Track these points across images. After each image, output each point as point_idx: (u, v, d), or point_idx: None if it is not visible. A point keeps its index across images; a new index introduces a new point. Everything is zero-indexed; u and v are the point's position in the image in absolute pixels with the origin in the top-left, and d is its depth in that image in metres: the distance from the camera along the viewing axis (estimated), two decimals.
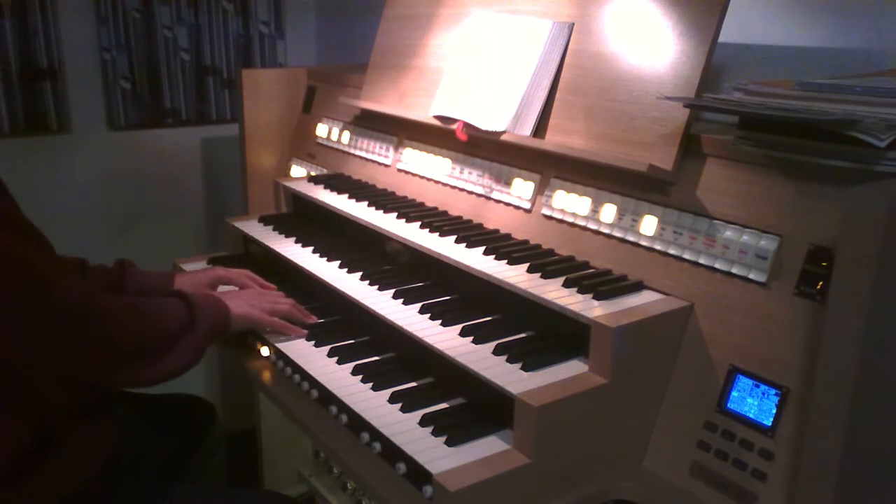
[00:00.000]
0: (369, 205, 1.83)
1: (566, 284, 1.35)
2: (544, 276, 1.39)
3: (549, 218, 1.56)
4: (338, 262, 1.70)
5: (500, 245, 1.53)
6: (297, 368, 1.46)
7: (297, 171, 2.37)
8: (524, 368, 1.24)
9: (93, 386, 1.31)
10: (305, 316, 1.60)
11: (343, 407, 1.33)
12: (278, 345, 1.54)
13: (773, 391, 1.17)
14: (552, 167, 1.57)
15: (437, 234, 1.61)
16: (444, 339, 1.35)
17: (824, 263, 1.13)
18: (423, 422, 1.26)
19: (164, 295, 1.46)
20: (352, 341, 1.56)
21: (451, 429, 1.23)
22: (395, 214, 1.74)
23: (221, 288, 1.71)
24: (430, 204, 1.83)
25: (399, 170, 1.97)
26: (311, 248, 1.79)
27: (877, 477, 1.14)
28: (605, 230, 1.45)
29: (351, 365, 1.45)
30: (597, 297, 1.30)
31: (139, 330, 1.30)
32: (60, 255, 1.55)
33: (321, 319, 1.64)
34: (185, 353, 1.34)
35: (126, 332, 1.27)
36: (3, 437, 1.20)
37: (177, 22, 2.61)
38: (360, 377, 1.41)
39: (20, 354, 1.16)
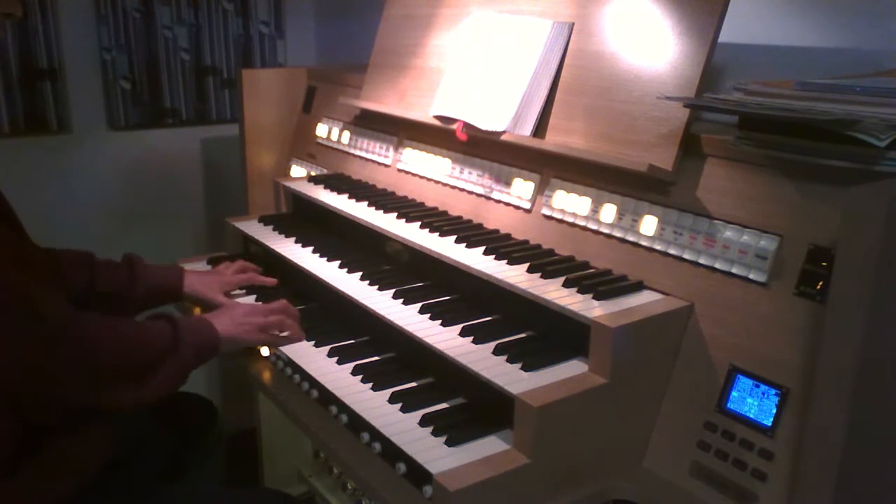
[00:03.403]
0: (369, 205, 1.83)
1: (566, 284, 1.35)
2: (544, 276, 1.39)
3: (549, 218, 1.56)
4: (338, 262, 1.70)
5: (500, 245, 1.53)
6: (297, 368, 1.46)
7: (297, 171, 2.37)
8: (524, 368, 1.24)
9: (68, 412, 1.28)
10: (297, 320, 1.57)
11: (343, 407, 1.33)
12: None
13: (773, 391, 1.17)
14: (552, 167, 1.57)
15: (437, 234, 1.61)
16: (444, 339, 1.35)
17: (824, 263, 1.13)
18: (423, 422, 1.26)
19: (153, 317, 1.43)
20: (352, 341, 1.56)
21: (451, 429, 1.23)
22: (395, 214, 1.74)
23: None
24: (430, 204, 1.83)
25: (399, 170, 1.97)
26: (311, 248, 1.79)
27: (877, 477, 1.14)
28: (605, 230, 1.45)
29: (351, 365, 1.45)
30: (597, 297, 1.30)
31: (120, 352, 1.26)
32: (66, 249, 1.55)
33: (321, 320, 1.64)
34: (167, 378, 1.30)
35: (106, 355, 1.24)
36: None
37: (177, 22, 2.61)
38: (360, 377, 1.41)
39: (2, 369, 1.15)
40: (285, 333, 1.54)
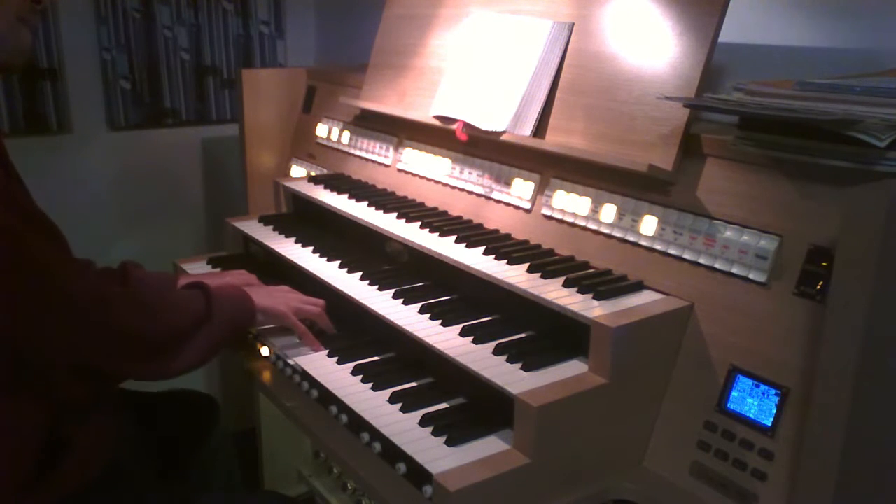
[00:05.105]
0: (369, 205, 1.83)
1: (566, 284, 1.35)
2: (544, 276, 1.39)
3: (549, 218, 1.56)
4: (338, 262, 1.70)
5: (500, 245, 1.53)
6: (297, 368, 1.46)
7: (297, 171, 2.37)
8: (524, 368, 1.24)
9: (104, 382, 1.30)
10: (328, 326, 1.58)
11: (343, 407, 1.33)
12: (278, 345, 1.54)
13: (773, 391, 1.17)
14: (552, 167, 1.57)
15: (437, 234, 1.61)
16: (444, 339, 1.35)
17: (824, 263, 1.13)
18: (423, 422, 1.26)
19: (184, 287, 1.45)
20: (352, 341, 1.56)
21: (451, 429, 1.23)
22: (395, 214, 1.74)
23: None
24: (430, 204, 1.83)
25: (399, 170, 1.97)
26: (311, 248, 1.79)
27: (877, 477, 1.14)
28: (605, 230, 1.45)
29: (351, 365, 1.45)
30: (597, 297, 1.30)
31: (153, 322, 1.28)
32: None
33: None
34: (201, 347, 1.33)
35: (139, 325, 1.25)
36: (8, 440, 1.20)
37: (177, 22, 2.61)
38: (360, 377, 1.41)
39: (29, 345, 1.16)
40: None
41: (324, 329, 1.57)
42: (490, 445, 1.20)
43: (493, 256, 1.49)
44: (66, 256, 1.26)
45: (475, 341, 1.34)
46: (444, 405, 1.33)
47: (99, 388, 1.29)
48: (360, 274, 1.63)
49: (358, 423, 1.29)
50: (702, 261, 1.29)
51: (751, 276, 1.22)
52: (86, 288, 1.21)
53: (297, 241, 1.86)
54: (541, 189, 1.59)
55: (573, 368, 1.26)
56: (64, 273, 1.19)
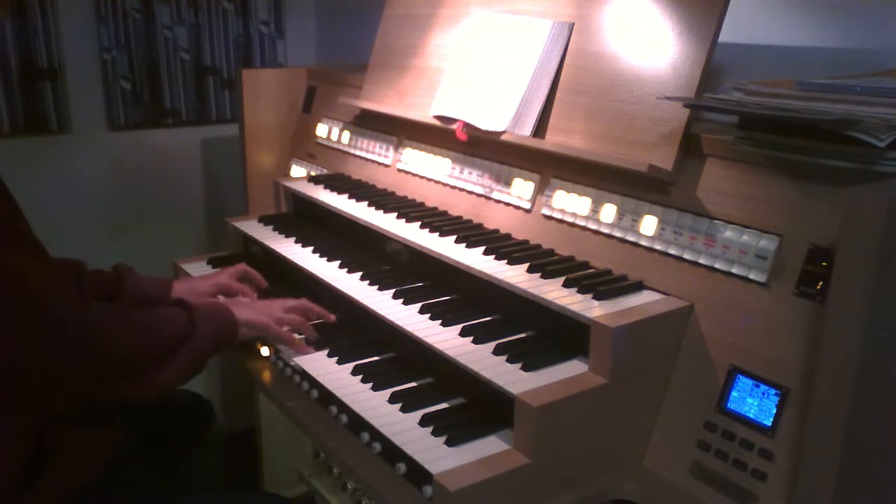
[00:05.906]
0: (369, 205, 1.83)
1: (566, 284, 1.35)
2: (544, 276, 1.39)
3: (549, 218, 1.56)
4: (338, 262, 1.70)
5: (500, 245, 1.53)
6: (297, 368, 1.46)
7: (297, 171, 2.37)
8: (524, 368, 1.24)
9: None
10: (311, 334, 1.56)
11: (343, 407, 1.33)
12: (279, 346, 1.54)
13: (773, 391, 1.17)
14: (552, 167, 1.57)
15: (437, 234, 1.61)
16: (444, 339, 1.35)
17: (824, 263, 1.13)
18: (423, 422, 1.26)
19: (166, 304, 1.44)
20: (352, 341, 1.56)
21: (451, 429, 1.23)
22: (395, 214, 1.74)
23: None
24: (430, 204, 1.83)
25: (399, 170, 1.97)
26: (311, 248, 1.79)
27: (877, 477, 1.14)
28: (605, 230, 1.45)
29: (351, 365, 1.45)
30: (597, 297, 1.30)
31: (135, 341, 1.26)
32: (56, 258, 1.54)
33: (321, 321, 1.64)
34: (185, 364, 1.31)
35: (121, 344, 1.24)
36: (4, 445, 1.20)
37: (177, 22, 2.61)
38: (360, 377, 1.41)
39: (13, 364, 1.15)
40: (300, 336, 1.54)
41: (307, 337, 1.55)
42: (490, 445, 1.20)
43: (493, 256, 1.49)
44: (49, 274, 1.23)
45: (475, 341, 1.34)
46: (444, 405, 1.33)
47: (87, 402, 1.28)
48: (360, 274, 1.63)
49: (358, 423, 1.29)
50: (702, 261, 1.29)
51: (751, 276, 1.22)
52: (68, 306, 1.19)
53: (297, 241, 1.86)
54: (541, 189, 1.59)
55: (573, 368, 1.26)
56: (46, 292, 1.16)
